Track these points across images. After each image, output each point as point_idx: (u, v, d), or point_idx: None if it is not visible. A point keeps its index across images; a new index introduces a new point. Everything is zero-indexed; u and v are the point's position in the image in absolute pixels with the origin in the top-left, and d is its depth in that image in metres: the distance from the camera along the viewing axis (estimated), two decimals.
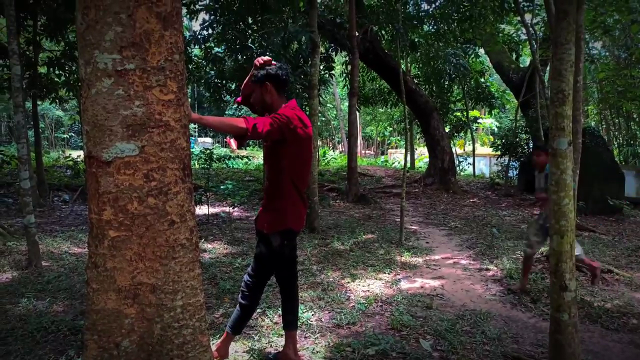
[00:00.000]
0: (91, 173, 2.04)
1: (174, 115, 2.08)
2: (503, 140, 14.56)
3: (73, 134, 38.48)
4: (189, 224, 2.14)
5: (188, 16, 11.63)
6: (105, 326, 2.02)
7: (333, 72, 12.77)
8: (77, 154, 14.53)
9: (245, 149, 35.06)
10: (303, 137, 2.81)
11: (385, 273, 5.22)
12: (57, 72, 10.20)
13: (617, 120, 16.82)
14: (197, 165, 9.41)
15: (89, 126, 2.02)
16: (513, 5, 10.32)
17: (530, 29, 8.48)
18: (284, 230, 2.82)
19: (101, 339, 2.02)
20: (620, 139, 16.55)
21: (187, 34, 12.74)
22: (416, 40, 13.58)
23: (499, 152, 14.72)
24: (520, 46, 15.28)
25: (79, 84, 2.15)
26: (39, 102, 10.80)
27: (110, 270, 2.01)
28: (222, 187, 9.57)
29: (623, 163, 14.04)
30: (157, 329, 2.04)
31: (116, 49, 1.96)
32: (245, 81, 2.95)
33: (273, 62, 2.88)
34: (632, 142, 15.84)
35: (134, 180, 1.99)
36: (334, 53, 12.36)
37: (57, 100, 10.99)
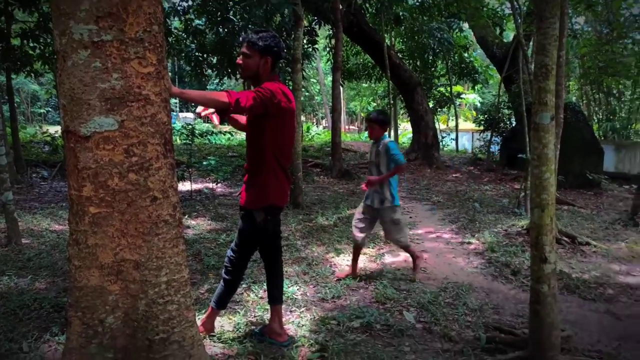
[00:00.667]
0: (69, 148, 1.99)
1: (154, 88, 2.03)
2: (486, 116, 14.64)
3: (50, 109, 37.59)
4: (171, 200, 2.11)
5: None
6: (89, 303, 2.00)
7: (316, 46, 12.60)
8: (55, 130, 14.21)
9: (228, 125, 34.71)
10: (286, 112, 2.77)
11: (369, 247, 5.26)
12: (31, 44, 9.85)
13: (597, 96, 16.99)
14: (179, 141, 9.28)
15: (65, 100, 1.96)
16: None
17: (515, 2, 8.44)
18: (267, 206, 2.80)
19: (85, 315, 2.01)
20: (600, 114, 16.76)
21: (166, 5, 12.38)
22: (400, 14, 13.43)
23: (481, 128, 14.80)
24: (504, 21, 15.21)
25: (55, 56, 2.07)
26: (13, 76, 10.47)
27: (92, 247, 1.98)
28: (204, 163, 9.48)
29: (602, 138, 14.26)
30: (141, 305, 2.03)
31: (92, 19, 1.89)
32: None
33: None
34: (611, 117, 16.05)
35: (114, 155, 1.95)
36: (317, 26, 12.17)
37: (33, 74, 10.65)
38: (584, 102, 17.98)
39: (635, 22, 13.04)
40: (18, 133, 10.22)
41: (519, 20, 9.31)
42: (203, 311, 3.34)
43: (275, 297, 3.04)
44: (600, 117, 16.66)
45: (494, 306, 3.72)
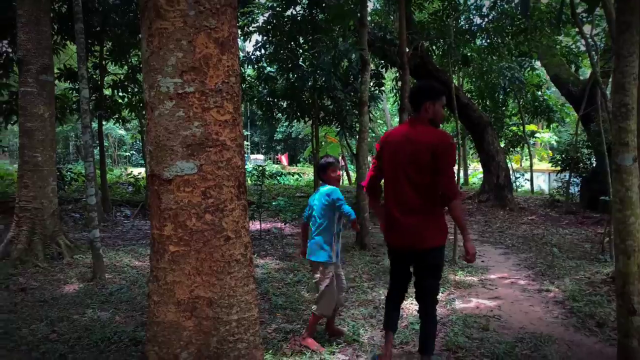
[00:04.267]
0: (153, 191, 2.15)
1: (230, 134, 2.17)
2: (563, 155, 13.94)
3: (134, 152, 40.48)
4: (243, 240, 2.20)
5: (242, 37, 12.06)
6: (165, 338, 2.10)
7: (383, 88, 12.78)
8: (138, 171, 15.26)
9: (296, 166, 35.55)
10: None
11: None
12: (120, 94, 10.83)
13: None
14: (249, 182, 9.63)
15: (152, 146, 2.14)
16: (571, 16, 9.98)
17: (590, 40, 8.15)
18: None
19: (161, 350, 2.11)
20: None
21: (240, 54, 13.18)
22: (468, 54, 13.37)
23: (558, 168, 14.08)
24: (580, 58, 14.69)
25: (141, 104, 2.29)
26: (104, 122, 11.50)
27: (171, 283, 2.10)
28: (274, 203, 9.73)
29: None
30: (213, 342, 2.10)
31: (177, 73, 2.08)
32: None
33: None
34: None
35: (193, 197, 2.09)
36: (384, 69, 12.38)
37: (121, 120, 11.65)
38: None
39: None
40: (106, 175, 11.09)
41: (595, 58, 8.96)
42: (271, 351, 3.37)
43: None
44: None
45: None
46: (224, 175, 2.15)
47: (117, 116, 11.27)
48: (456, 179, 2.90)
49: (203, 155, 2.11)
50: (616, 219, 2.68)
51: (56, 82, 8.57)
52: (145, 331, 2.26)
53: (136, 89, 10.82)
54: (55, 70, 8.77)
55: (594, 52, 9.35)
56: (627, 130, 2.64)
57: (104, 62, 10.36)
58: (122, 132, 36.00)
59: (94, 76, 10.33)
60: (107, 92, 11.28)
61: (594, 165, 12.80)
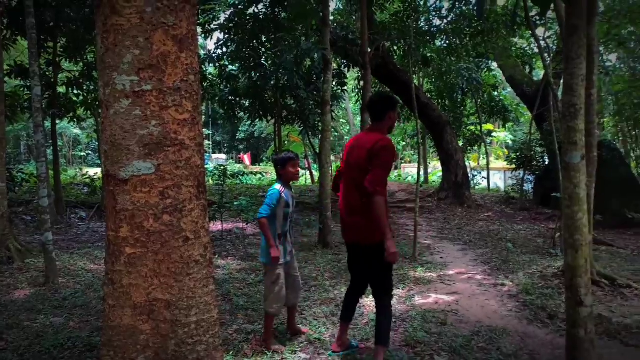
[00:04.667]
0: (109, 191, 2.09)
1: (189, 134, 2.14)
2: (518, 154, 14.45)
3: (90, 152, 39.15)
4: (203, 241, 2.17)
5: (203, 35, 11.87)
6: (121, 342, 2.05)
7: (345, 87, 12.88)
8: (94, 172, 14.77)
9: (259, 165, 35.31)
10: None
11: (398, 289, 5.18)
12: (75, 91, 10.45)
13: (634, 133, 16.60)
14: (211, 182, 9.49)
15: (107, 146, 2.09)
16: (524, 19, 10.34)
17: (543, 42, 8.47)
18: None
19: (117, 355, 2.06)
20: (638, 151, 16.32)
21: (201, 52, 12.98)
22: (428, 55, 13.64)
23: (513, 166, 14.60)
24: (534, 59, 15.25)
25: (97, 103, 2.23)
26: (57, 121, 11.06)
27: (127, 286, 2.05)
28: (236, 203, 9.63)
29: None
30: (171, 344, 2.06)
31: (134, 71, 2.03)
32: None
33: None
34: None
35: (150, 197, 2.04)
36: (346, 69, 12.47)
37: (75, 119, 11.24)
38: (620, 139, 17.57)
39: None
40: (59, 175, 10.68)
41: (548, 60, 9.32)
42: (232, 352, 3.34)
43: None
44: (638, 154, 16.20)
45: (529, 352, 3.58)
46: (183, 175, 2.12)
47: (71, 115, 10.86)
48: (387, 181, 2.97)
49: (161, 154, 2.07)
50: (565, 214, 2.80)
51: (6, 79, 8.19)
52: (101, 336, 2.20)
53: (92, 87, 10.46)
54: (5, 67, 8.38)
55: (546, 54, 9.72)
56: (576, 130, 2.77)
57: (57, 59, 9.96)
58: (77, 131, 34.74)
59: (47, 73, 9.92)
60: (61, 89, 10.85)
61: (547, 163, 13.32)
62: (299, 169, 3.77)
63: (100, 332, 2.98)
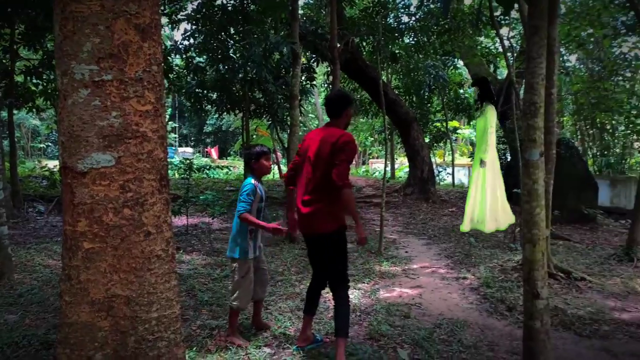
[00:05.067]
0: (66, 184, 2.03)
1: (151, 126, 2.09)
2: None
3: (50, 144, 37.81)
4: (165, 235, 2.13)
5: (169, 26, 11.62)
6: (78, 339, 2.00)
7: (314, 82, 12.86)
8: (54, 164, 14.29)
9: (227, 159, 34.91)
10: None
11: (364, 283, 5.24)
12: (34, 81, 10.05)
13: (591, 131, 17.25)
14: (176, 175, 9.34)
15: (64, 137, 2.02)
16: (489, 19, 10.57)
17: (507, 42, 8.68)
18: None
19: (73, 352, 2.00)
20: (595, 149, 16.96)
21: (168, 43, 12.70)
22: (397, 52, 13.77)
23: None
24: (498, 58, 15.61)
25: (57, 93, 2.14)
26: (15, 111, 10.62)
27: (84, 282, 1.99)
28: (201, 197, 9.49)
29: (597, 173, 14.37)
30: (131, 341, 2.02)
31: (94, 60, 1.97)
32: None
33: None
34: (605, 152, 16.25)
35: (110, 191, 1.99)
36: (315, 64, 12.46)
37: (34, 110, 10.82)
38: (578, 137, 18.22)
39: (625, 60, 13.39)
40: (17, 167, 10.27)
41: (511, 59, 9.55)
42: (195, 348, 3.31)
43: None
44: (595, 152, 16.84)
45: (488, 343, 3.68)
46: (145, 168, 2.07)
47: (30, 105, 10.45)
48: (350, 172, 3.14)
49: (122, 146, 2.01)
50: (524, 210, 2.88)
51: None
52: (57, 333, 2.13)
53: (52, 76, 10.06)
54: None
55: (510, 54, 9.95)
56: (535, 128, 2.85)
57: (15, 47, 9.55)
58: (36, 122, 33.42)
59: (4, 61, 9.50)
60: (19, 78, 10.41)
61: (509, 160, 13.67)
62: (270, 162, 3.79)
63: (56, 329, 2.90)
